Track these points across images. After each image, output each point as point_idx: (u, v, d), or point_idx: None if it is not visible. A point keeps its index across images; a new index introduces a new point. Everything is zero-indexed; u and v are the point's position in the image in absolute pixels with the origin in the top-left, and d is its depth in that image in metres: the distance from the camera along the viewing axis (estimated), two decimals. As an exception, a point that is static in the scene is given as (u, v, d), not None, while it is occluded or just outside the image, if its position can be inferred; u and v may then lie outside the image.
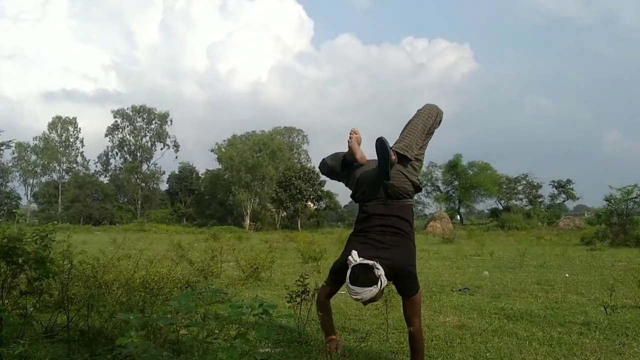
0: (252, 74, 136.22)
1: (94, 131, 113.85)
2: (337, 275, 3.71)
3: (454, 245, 22.23)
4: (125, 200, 72.55)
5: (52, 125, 73.68)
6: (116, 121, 74.04)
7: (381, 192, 3.70)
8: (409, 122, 3.82)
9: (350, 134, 3.69)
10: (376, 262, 3.32)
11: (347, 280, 3.34)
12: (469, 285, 8.25)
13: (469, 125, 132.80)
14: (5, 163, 62.35)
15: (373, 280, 3.28)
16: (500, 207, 64.96)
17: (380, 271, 3.29)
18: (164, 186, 75.73)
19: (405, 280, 3.54)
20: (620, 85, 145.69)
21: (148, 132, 74.67)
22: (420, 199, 68.03)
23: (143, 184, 72.58)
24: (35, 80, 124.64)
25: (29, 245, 4.38)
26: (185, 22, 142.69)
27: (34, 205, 71.99)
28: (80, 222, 59.32)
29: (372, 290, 3.27)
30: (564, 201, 66.54)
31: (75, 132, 74.84)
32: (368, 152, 3.73)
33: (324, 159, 4.10)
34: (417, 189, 3.79)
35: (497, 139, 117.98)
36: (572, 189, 64.94)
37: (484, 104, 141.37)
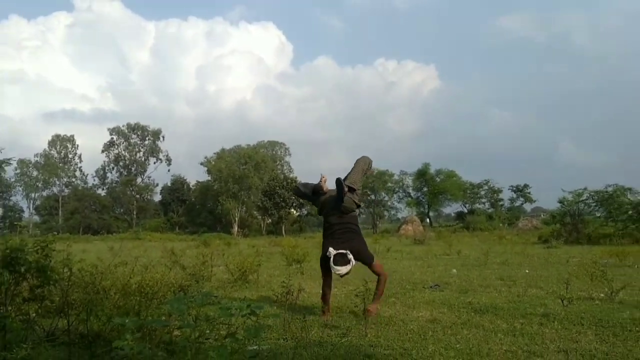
0: (237, 93, 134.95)
1: (91, 148, 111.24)
2: (324, 264, 5.41)
3: (424, 246, 22.28)
4: (122, 211, 71.51)
5: (52, 143, 72.83)
6: (112, 138, 73.01)
7: (338, 209, 5.57)
8: (353, 167, 5.99)
9: (322, 179, 5.78)
10: (347, 251, 5.22)
11: (332, 263, 5.16)
12: (439, 282, 8.26)
13: (435, 136, 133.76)
14: (8, 179, 61.27)
15: (347, 261, 5.16)
16: (466, 210, 65.36)
17: (350, 255, 5.19)
18: (157, 197, 75.03)
19: (364, 256, 5.51)
20: (571, 100, 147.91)
21: (142, 147, 73.64)
22: (393, 204, 68.63)
23: (138, 196, 71.57)
24: (36, 102, 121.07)
25: (30, 255, 4.28)
26: (176, 46, 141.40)
27: (36, 218, 70.57)
28: (80, 232, 58.37)
29: (347, 267, 5.17)
30: (522, 204, 67.16)
31: (73, 148, 74.00)
32: (333, 176, 5.49)
33: (297, 186, 6.48)
34: (358, 206, 5.85)
35: (461, 149, 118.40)
36: (529, 193, 65.49)
37: (448, 117, 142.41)
